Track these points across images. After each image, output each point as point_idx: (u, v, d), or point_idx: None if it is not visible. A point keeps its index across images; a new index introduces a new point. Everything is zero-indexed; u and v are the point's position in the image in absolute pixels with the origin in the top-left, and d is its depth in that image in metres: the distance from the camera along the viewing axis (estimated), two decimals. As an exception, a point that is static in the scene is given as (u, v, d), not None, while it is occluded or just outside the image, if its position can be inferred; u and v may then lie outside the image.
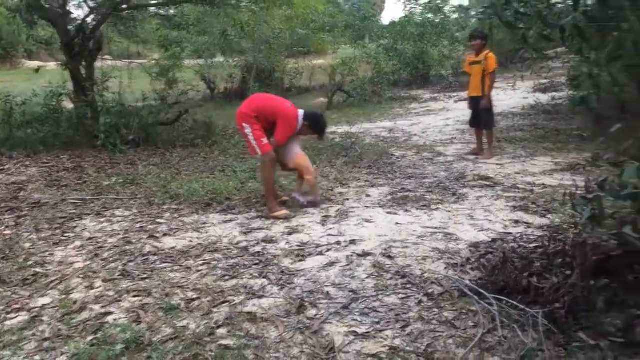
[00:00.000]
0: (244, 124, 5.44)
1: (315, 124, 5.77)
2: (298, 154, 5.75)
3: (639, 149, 4.95)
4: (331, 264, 4.15)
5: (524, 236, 4.52)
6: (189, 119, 10.93)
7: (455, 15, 25.46)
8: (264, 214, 5.52)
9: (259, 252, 4.46)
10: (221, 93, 19.98)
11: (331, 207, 5.70)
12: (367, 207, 5.64)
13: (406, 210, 5.43)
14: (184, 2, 10.61)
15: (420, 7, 21.07)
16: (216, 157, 8.75)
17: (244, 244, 4.68)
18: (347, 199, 5.97)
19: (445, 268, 3.99)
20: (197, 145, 9.68)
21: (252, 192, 6.28)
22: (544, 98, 12.79)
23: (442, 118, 12.25)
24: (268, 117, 5.50)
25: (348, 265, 4.10)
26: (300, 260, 4.24)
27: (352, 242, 4.58)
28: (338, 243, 4.57)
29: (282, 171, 6.12)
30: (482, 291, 3.60)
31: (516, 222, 4.95)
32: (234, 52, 17.35)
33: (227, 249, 4.57)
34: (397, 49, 18.49)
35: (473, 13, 29.90)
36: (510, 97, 14.13)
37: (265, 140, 5.44)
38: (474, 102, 8.05)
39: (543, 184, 6.29)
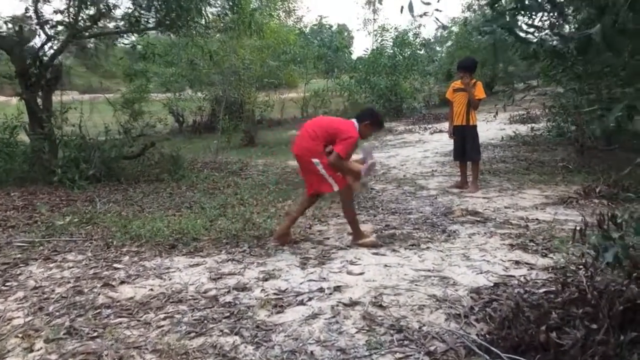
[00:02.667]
0: (314, 159, 5.00)
1: (373, 118, 5.31)
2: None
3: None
4: (314, 315, 3.58)
5: (529, 280, 4.03)
6: (155, 153, 10.31)
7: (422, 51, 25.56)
8: (345, 243, 5.13)
9: (230, 302, 3.87)
10: (190, 126, 19.42)
11: (311, 247, 5.14)
12: (350, 247, 5.10)
13: (394, 250, 4.90)
14: (146, 30, 10.08)
15: (391, 40, 20.92)
16: (183, 192, 8.14)
17: (213, 292, 4.09)
18: (328, 238, 5.43)
19: (447, 319, 3.45)
20: (163, 180, 9.06)
21: (222, 230, 5.69)
22: (522, 129, 12.50)
23: (419, 150, 11.85)
24: (333, 140, 5.06)
25: (334, 317, 3.54)
26: (278, 312, 3.67)
27: (337, 288, 4.02)
28: (321, 290, 4.00)
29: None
30: (492, 348, 3.07)
31: (517, 262, 4.46)
32: (203, 83, 16.85)
33: (194, 299, 3.97)
34: (370, 81, 18.23)
35: (438, 48, 30.01)
36: (487, 128, 13.85)
37: (340, 175, 5.06)
38: (458, 132, 7.63)
39: (537, 219, 5.85)
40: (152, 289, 4.21)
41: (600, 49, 3.17)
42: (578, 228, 3.82)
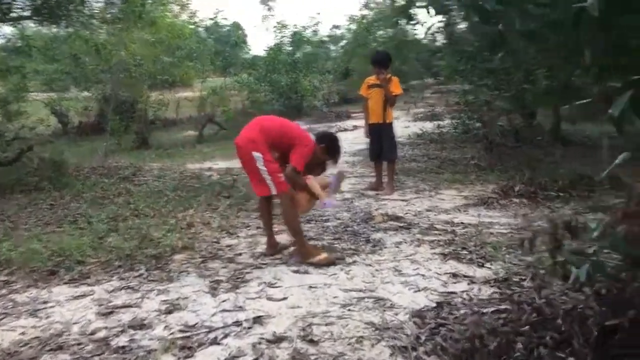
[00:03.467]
0: (255, 153, 4.30)
1: (333, 144, 4.72)
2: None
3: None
4: (232, 359, 2.92)
5: (473, 297, 3.57)
6: (33, 158, 9.10)
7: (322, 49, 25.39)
8: (292, 262, 4.44)
9: (124, 345, 3.12)
10: (75, 128, 17.90)
11: (221, 266, 4.44)
12: (265, 264, 4.46)
13: (317, 267, 4.30)
14: (21, 19, 8.89)
15: (290, 37, 20.40)
16: (67, 203, 7.12)
17: (103, 332, 3.31)
18: (240, 254, 4.75)
19: (392, 354, 2.91)
20: (43, 189, 7.93)
21: (113, 250, 4.85)
22: (428, 127, 12.32)
23: None
24: (283, 143, 4.46)
25: (257, 359, 2.89)
26: (187, 357, 2.97)
27: (257, 320, 3.37)
28: (238, 323, 3.34)
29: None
30: (452, 391, 2.56)
31: (454, 275, 4.00)
32: (89, 81, 15.51)
33: (78, 344, 3.17)
34: (272, 78, 17.59)
35: (333, 47, 29.79)
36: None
37: (282, 177, 4.37)
38: (374, 131, 7.17)
39: (462, 223, 5.48)
40: (23, 333, 3.37)
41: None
42: (527, 237, 3.41)
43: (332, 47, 29.51)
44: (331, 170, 5.20)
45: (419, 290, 3.74)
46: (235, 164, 9.55)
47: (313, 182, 4.74)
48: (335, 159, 4.83)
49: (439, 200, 6.59)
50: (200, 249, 4.90)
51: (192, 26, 17.37)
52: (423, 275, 4.04)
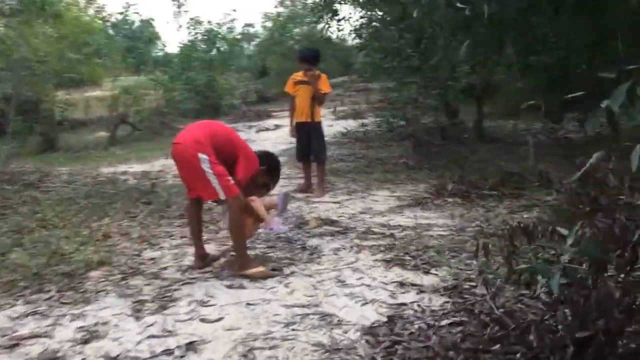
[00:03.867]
0: (200, 154, 3.84)
1: (273, 166, 4.48)
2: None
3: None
4: (165, 397, 2.52)
5: (425, 308, 3.33)
6: None
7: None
8: (224, 275, 4.00)
9: (34, 387, 2.65)
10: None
11: (144, 283, 3.98)
12: (195, 278, 4.04)
13: (251, 281, 3.93)
14: None
15: (204, 35, 19.69)
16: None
17: (7, 371, 2.81)
18: (165, 268, 4.29)
19: (348, 380, 2.60)
20: None
21: (17, 269, 4.27)
22: (351, 125, 12.12)
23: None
24: (227, 153, 4.03)
25: (194, 396, 2.51)
26: (110, 398, 2.54)
27: (190, 346, 2.97)
28: (168, 351, 2.92)
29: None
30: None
31: (401, 284, 3.75)
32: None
33: (-25, 388, 2.67)
34: (189, 76, 16.90)
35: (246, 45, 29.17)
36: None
37: (231, 180, 3.92)
38: (302, 130, 6.85)
39: (399, 225, 5.28)
40: None
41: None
42: (480, 242, 3.20)
43: (246, 46, 28.99)
44: (275, 192, 4.84)
45: (367, 303, 3.46)
46: (153, 167, 9.00)
47: (258, 203, 4.38)
48: (275, 182, 4.52)
49: (372, 201, 6.37)
50: (120, 263, 4.40)
51: (100, 21, 16.41)
52: (368, 285, 3.76)
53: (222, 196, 3.92)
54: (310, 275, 3.99)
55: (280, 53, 27.25)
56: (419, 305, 3.37)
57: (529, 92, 10.24)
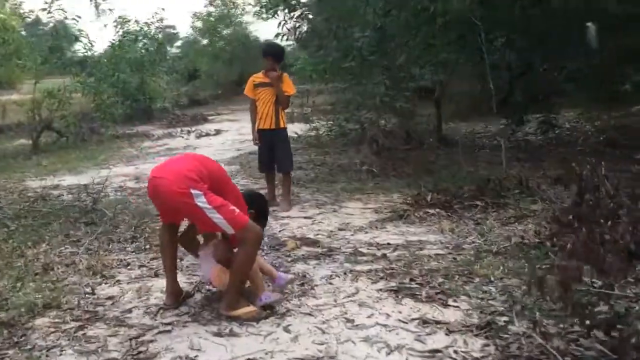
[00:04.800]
0: (193, 190, 3.16)
1: (261, 208, 3.76)
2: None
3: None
4: None
5: (466, 356, 2.78)
6: None
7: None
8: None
9: None
10: None
11: (106, 332, 3.22)
12: (170, 324, 3.31)
13: (242, 324, 3.24)
14: None
15: (132, 35, 18.51)
16: None
17: None
18: (130, 310, 3.53)
19: None
20: None
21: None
22: (303, 129, 11.44)
23: None
24: (215, 190, 3.30)
25: None
26: None
27: None
28: None
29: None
30: None
31: (423, 322, 3.18)
32: None
33: None
34: (118, 79, 15.74)
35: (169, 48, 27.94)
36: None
37: (235, 209, 3.24)
38: (266, 138, 6.15)
39: (388, 244, 4.73)
40: None
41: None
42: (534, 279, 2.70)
43: (170, 49, 27.73)
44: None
45: (393, 351, 2.86)
46: (89, 179, 8.03)
47: (261, 261, 3.68)
48: (264, 224, 3.82)
49: (347, 215, 5.78)
50: (71, 305, 3.60)
51: (19, 19, 15.04)
52: (384, 325, 3.16)
53: (230, 230, 3.23)
54: (310, 314, 3.35)
55: (211, 54, 26.34)
56: (455, 352, 2.82)
57: (485, 94, 9.98)
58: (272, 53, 6.14)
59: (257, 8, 22.07)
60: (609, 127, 9.27)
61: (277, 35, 9.33)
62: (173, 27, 31.96)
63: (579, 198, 4.92)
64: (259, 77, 6.16)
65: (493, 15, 7.05)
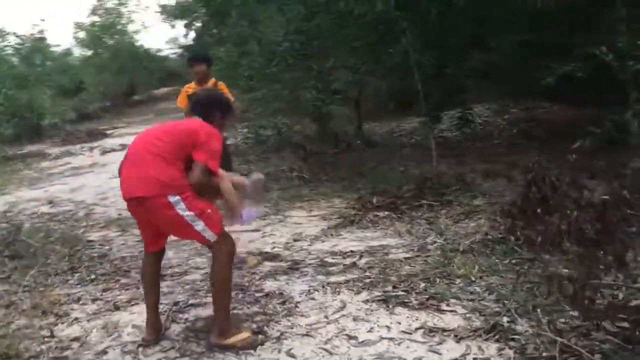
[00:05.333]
0: (170, 197, 2.87)
1: (223, 107, 3.35)
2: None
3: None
4: None
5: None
6: None
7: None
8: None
9: None
10: None
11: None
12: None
13: (238, 354, 2.99)
14: None
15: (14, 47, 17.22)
16: None
17: None
18: (104, 352, 3.14)
19: None
20: None
21: None
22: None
23: (106, 176, 9.25)
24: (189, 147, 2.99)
25: None
26: None
27: None
28: None
29: None
30: None
31: (429, 331, 3.08)
32: None
33: None
34: (7, 95, 14.50)
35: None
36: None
37: (210, 211, 2.99)
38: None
39: (351, 252, 4.62)
40: None
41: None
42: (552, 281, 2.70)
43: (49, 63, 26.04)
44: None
45: (414, 368, 2.74)
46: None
47: (228, 183, 3.30)
48: (232, 114, 3.56)
49: (296, 225, 5.61)
50: (32, 353, 3.17)
51: None
52: (390, 338, 3.04)
53: (212, 238, 2.98)
54: (308, 334, 3.16)
55: (96, 65, 24.97)
56: (475, 359, 2.74)
57: (398, 93, 10.16)
58: (206, 59, 5.84)
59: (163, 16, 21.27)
60: (519, 120, 9.70)
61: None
62: (44, 38, 30.03)
63: (528, 190, 5.09)
64: (191, 87, 5.81)
65: (412, 17, 7.12)
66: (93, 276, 4.46)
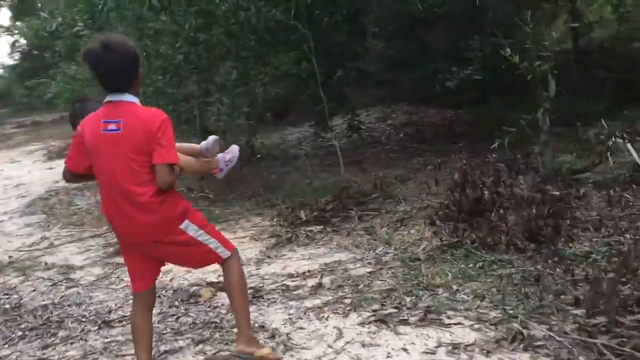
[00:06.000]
0: (182, 225, 2.65)
1: (133, 62, 2.65)
2: None
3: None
4: None
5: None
6: None
7: None
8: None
9: None
10: None
11: None
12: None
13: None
14: None
15: None
16: None
17: None
18: None
19: None
20: None
21: None
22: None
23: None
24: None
25: None
26: None
27: None
28: None
29: None
30: None
31: (453, 348, 2.95)
32: None
33: None
34: None
35: None
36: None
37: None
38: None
39: (306, 271, 4.41)
40: None
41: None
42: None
43: None
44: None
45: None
46: None
47: (185, 161, 2.80)
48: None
49: (251, 242, 5.31)
50: None
51: None
52: (405, 350, 2.87)
53: (225, 254, 2.85)
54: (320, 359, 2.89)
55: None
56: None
57: (270, 102, 10.02)
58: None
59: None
60: (402, 124, 9.97)
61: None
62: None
63: (462, 192, 5.18)
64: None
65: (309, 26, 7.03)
66: (20, 332, 3.77)
